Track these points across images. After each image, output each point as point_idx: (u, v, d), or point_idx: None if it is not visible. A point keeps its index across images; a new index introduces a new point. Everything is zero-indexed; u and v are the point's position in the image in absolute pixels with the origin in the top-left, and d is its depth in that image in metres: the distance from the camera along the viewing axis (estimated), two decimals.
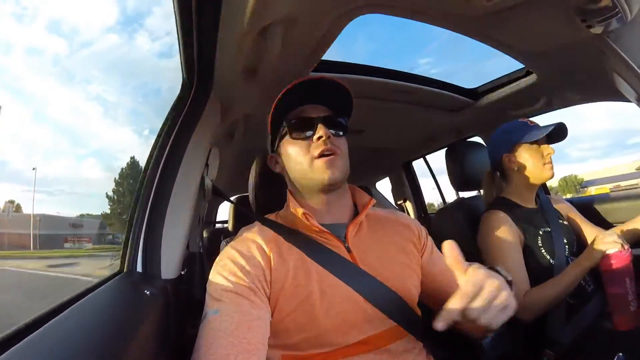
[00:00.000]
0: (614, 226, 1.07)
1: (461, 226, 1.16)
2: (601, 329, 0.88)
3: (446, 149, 1.42)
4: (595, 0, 0.70)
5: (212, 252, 0.73)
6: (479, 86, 1.42)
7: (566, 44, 0.89)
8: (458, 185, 1.35)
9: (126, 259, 0.67)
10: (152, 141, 0.83)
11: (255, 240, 0.63)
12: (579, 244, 1.04)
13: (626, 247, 0.81)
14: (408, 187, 2.34)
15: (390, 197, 2.52)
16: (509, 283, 0.53)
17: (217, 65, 0.85)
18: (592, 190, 33.35)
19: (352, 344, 0.58)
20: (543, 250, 0.96)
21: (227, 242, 0.74)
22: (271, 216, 0.72)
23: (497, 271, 0.53)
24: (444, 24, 0.85)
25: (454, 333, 0.71)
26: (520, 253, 0.95)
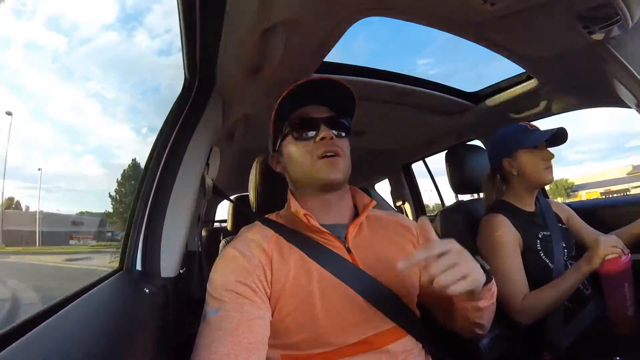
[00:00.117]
0: (614, 230, 1.07)
1: (460, 229, 1.16)
2: (599, 332, 0.88)
3: (446, 151, 1.42)
4: (597, 7, 0.70)
5: (210, 251, 0.74)
6: (480, 90, 1.42)
7: (567, 50, 0.89)
8: (457, 188, 1.35)
9: (126, 257, 0.67)
10: (151, 139, 0.83)
11: (256, 240, 0.63)
12: (578, 248, 1.04)
13: (626, 252, 0.81)
14: (407, 189, 2.34)
15: (389, 199, 2.53)
16: (487, 272, 0.57)
17: (220, 65, 0.85)
18: (583, 195, 33.44)
19: (352, 344, 0.58)
20: (542, 254, 0.96)
21: (227, 242, 0.74)
22: (271, 216, 0.72)
23: (476, 260, 0.55)
24: (446, 28, 0.86)
25: (451, 334, 0.72)
26: (519, 257, 0.95)
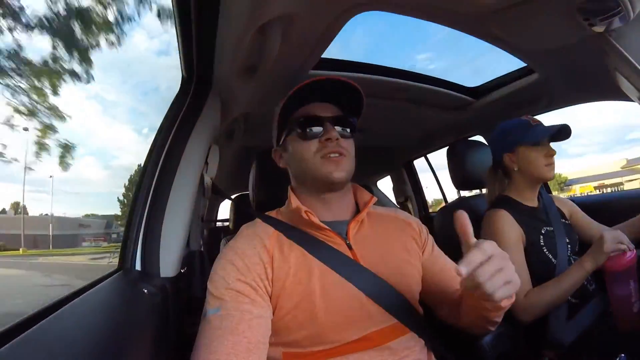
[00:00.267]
0: (618, 223, 1.05)
1: None
2: (603, 329, 0.87)
3: (447, 147, 1.41)
4: None
5: (212, 250, 0.73)
6: (480, 85, 1.41)
7: (568, 43, 0.88)
8: (459, 184, 1.34)
9: (124, 257, 0.67)
10: (150, 139, 0.83)
11: (256, 237, 0.63)
12: (582, 244, 1.03)
13: (631, 248, 0.80)
14: (409, 185, 2.33)
15: (391, 196, 2.52)
16: None
17: (217, 63, 0.84)
18: (577, 189, 33.28)
19: (353, 341, 0.58)
20: (545, 250, 0.95)
21: (228, 241, 0.74)
22: (272, 213, 0.72)
23: None
24: (446, 22, 0.85)
25: (454, 331, 0.71)
26: (522, 252, 0.95)
